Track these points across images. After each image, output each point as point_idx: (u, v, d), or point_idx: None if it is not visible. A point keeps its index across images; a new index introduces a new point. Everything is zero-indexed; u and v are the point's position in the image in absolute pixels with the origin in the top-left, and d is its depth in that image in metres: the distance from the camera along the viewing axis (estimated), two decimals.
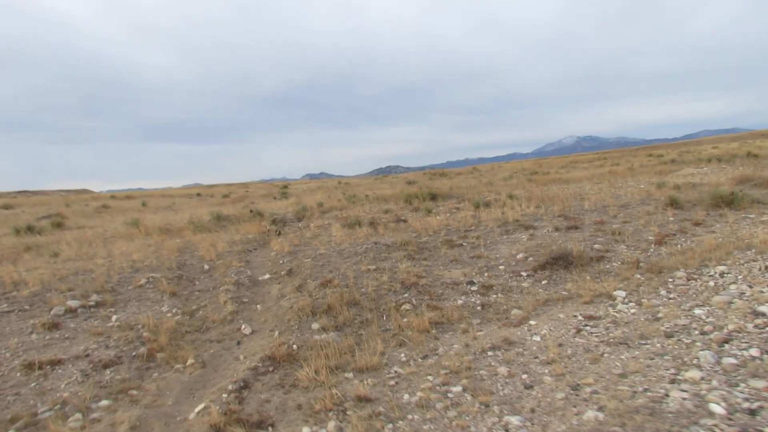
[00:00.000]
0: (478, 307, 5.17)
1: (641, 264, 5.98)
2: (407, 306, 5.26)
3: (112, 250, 9.46)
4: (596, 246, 6.78)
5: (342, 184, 38.53)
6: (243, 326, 5.09)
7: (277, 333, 4.84)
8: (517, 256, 6.80)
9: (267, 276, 7.16)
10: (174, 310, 5.75)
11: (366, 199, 17.96)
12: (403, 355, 4.10)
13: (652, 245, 6.68)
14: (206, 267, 7.89)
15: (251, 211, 16.03)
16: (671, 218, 8.05)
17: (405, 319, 4.95)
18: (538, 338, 4.03)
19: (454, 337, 4.42)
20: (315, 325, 4.90)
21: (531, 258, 6.67)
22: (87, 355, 4.39)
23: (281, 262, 7.89)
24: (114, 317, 5.46)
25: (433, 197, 14.70)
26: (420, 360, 3.94)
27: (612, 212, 9.17)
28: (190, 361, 4.26)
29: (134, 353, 4.46)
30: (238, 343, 4.77)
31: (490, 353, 3.84)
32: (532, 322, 4.46)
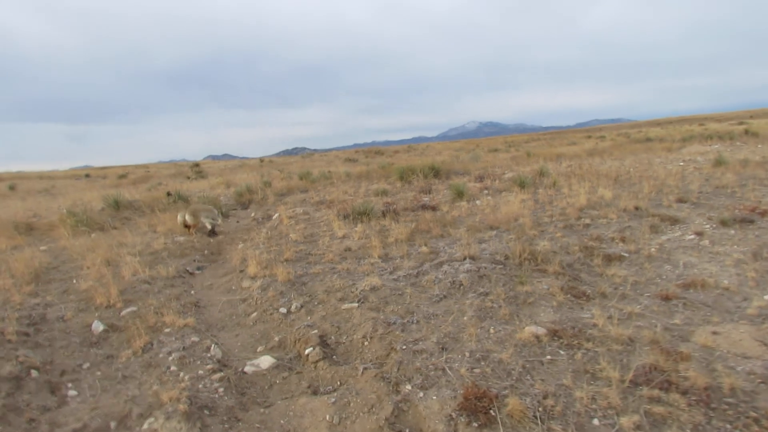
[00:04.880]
0: None
1: None
2: None
3: None
4: None
5: (267, 162, 33.27)
6: None
7: None
8: None
9: (267, 362, 2.90)
10: None
11: (332, 177, 13.63)
12: None
13: None
14: (98, 329, 3.39)
15: (170, 194, 10.87)
16: None
17: None
18: None
19: None
20: None
21: None
22: None
23: (283, 310, 3.59)
24: None
25: (436, 173, 10.98)
26: None
27: (750, 196, 6.29)
28: None
29: None
30: None
31: None
32: None
